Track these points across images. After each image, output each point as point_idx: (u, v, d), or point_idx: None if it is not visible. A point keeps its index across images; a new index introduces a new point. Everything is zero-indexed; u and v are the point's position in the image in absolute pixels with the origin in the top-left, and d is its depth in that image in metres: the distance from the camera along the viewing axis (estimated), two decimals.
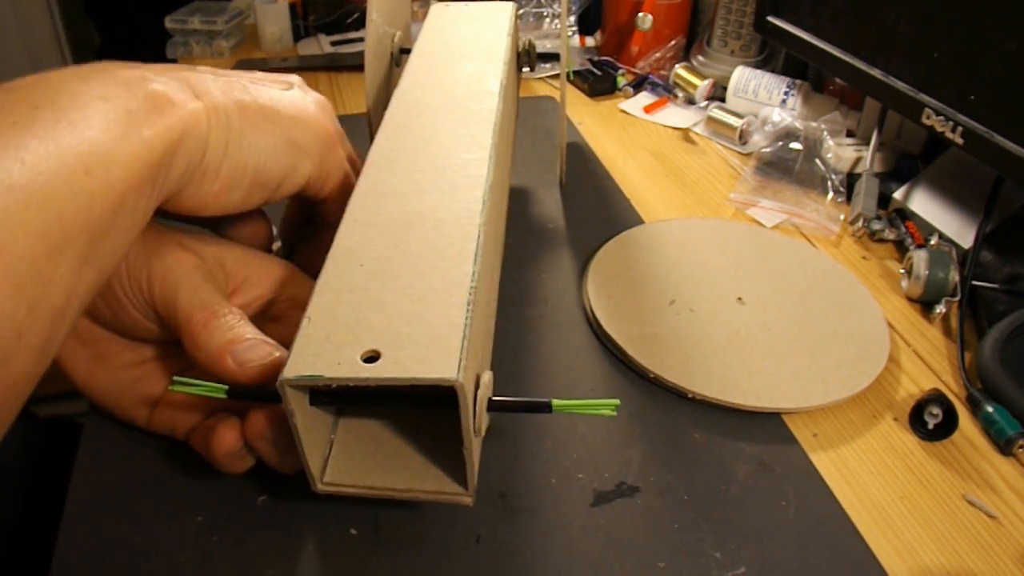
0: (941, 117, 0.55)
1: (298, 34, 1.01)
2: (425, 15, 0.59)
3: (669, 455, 0.41)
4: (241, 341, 0.34)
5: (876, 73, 0.61)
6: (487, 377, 0.33)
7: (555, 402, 0.32)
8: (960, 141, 0.53)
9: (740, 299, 0.52)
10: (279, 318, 0.40)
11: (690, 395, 0.45)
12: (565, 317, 0.51)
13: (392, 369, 0.29)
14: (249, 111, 0.35)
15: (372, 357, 0.30)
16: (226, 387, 0.33)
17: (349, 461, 0.35)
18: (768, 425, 0.44)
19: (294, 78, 0.42)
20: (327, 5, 1.02)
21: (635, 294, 0.52)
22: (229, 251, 0.39)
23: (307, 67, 0.93)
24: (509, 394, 0.44)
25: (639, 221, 0.62)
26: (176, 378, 0.33)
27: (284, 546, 0.36)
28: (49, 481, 0.50)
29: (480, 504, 0.38)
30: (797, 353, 0.48)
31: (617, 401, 0.32)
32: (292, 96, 0.39)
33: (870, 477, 0.41)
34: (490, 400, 0.33)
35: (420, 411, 0.37)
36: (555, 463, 0.41)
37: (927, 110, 0.56)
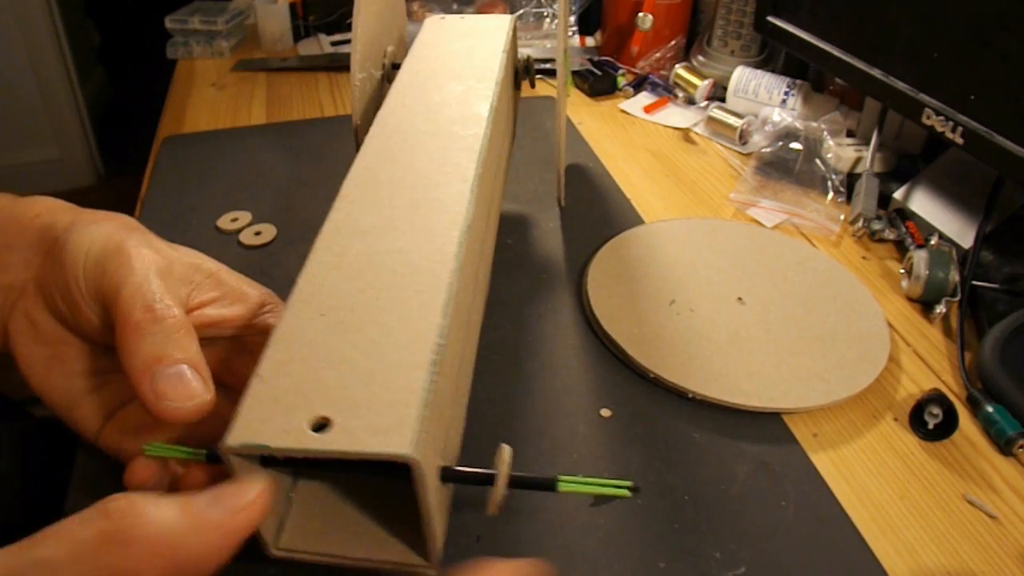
0: (941, 117, 0.55)
1: (298, 34, 1.02)
2: (425, 16, 0.58)
3: (669, 455, 0.41)
4: (169, 361, 0.30)
5: (876, 73, 0.61)
6: (507, 453, 0.30)
7: (562, 479, 0.29)
8: (960, 141, 0.53)
9: (740, 299, 0.52)
10: (254, 351, 0.36)
11: (690, 395, 0.45)
12: (565, 317, 0.51)
13: (341, 440, 0.26)
14: None
15: (322, 424, 0.27)
16: (205, 451, 0.30)
17: (307, 525, 0.32)
18: (768, 425, 0.44)
19: None
20: (327, 5, 1.02)
21: (635, 294, 0.52)
22: (204, 263, 0.37)
23: (307, 67, 0.93)
24: (507, 398, 0.45)
25: (639, 221, 0.62)
26: (148, 444, 0.30)
27: None
28: (47, 483, 0.50)
29: (480, 504, 0.38)
30: (797, 353, 0.48)
31: (630, 483, 0.29)
32: None
33: (870, 477, 0.41)
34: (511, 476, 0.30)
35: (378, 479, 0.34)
36: (555, 463, 0.41)
37: (927, 110, 0.56)
